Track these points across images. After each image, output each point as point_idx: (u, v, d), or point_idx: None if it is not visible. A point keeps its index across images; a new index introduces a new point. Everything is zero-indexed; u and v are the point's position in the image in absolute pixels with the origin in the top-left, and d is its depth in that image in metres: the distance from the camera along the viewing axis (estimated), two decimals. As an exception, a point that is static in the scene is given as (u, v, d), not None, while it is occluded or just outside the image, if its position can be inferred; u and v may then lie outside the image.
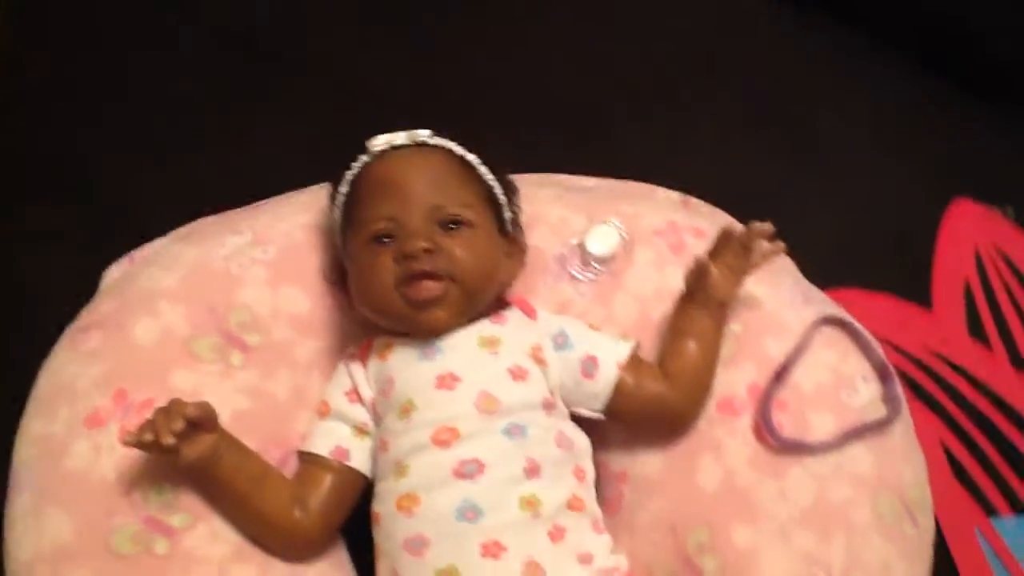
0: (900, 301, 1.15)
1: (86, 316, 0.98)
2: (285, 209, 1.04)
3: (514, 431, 0.84)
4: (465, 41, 1.42)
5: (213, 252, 0.99)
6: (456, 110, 1.31)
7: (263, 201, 1.09)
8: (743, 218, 1.10)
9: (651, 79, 1.40)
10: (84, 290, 1.03)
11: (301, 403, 0.95)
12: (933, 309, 1.15)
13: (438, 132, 0.91)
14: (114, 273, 1.05)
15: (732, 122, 1.34)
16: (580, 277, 0.99)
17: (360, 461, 0.89)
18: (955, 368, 1.10)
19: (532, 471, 0.83)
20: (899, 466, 0.90)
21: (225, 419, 0.90)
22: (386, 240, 0.87)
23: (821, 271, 1.10)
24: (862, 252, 1.19)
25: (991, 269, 1.18)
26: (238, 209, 1.08)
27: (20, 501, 0.87)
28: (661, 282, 0.97)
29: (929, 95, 1.37)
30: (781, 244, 0.92)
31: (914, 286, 1.17)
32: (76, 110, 1.34)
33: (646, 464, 0.93)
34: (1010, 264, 1.18)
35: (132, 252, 1.06)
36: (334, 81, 1.37)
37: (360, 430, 0.89)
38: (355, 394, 0.90)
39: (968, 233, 1.21)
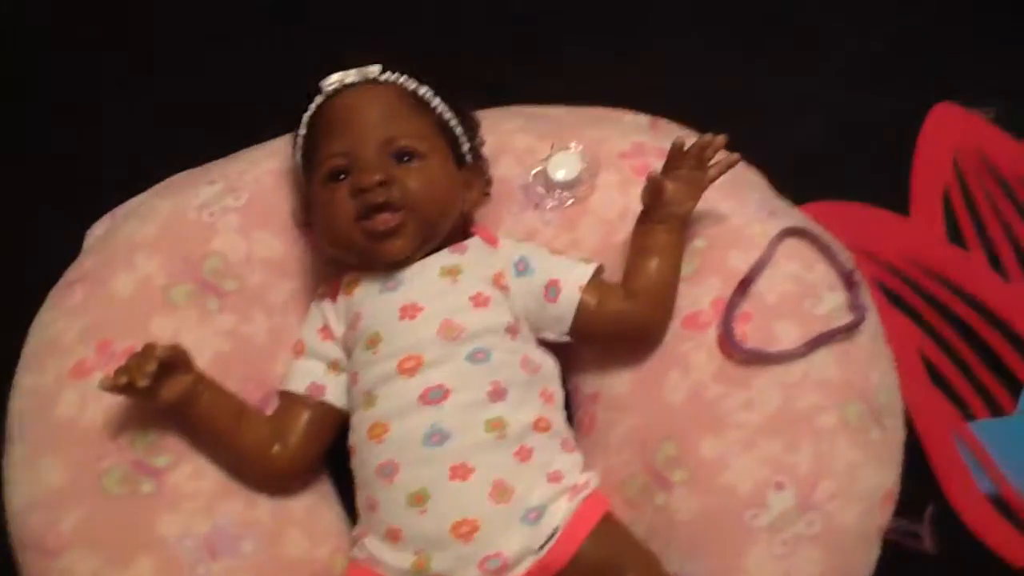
0: (876, 210, 1.14)
1: (70, 273, 1.01)
2: (256, 155, 1.06)
3: (478, 356, 0.86)
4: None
5: (188, 202, 1.02)
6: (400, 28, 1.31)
7: (235, 153, 1.11)
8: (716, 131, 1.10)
9: None
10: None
11: (279, 344, 0.98)
12: (911, 216, 1.14)
13: (391, 65, 0.92)
14: (97, 231, 1.08)
15: (701, 22, 1.32)
16: (545, 205, 0.99)
17: (335, 396, 0.91)
18: (933, 275, 1.09)
19: (497, 394, 0.85)
20: (865, 371, 0.90)
21: (205, 362, 0.93)
22: (342, 177, 0.88)
23: (795, 183, 1.09)
24: (839, 161, 1.18)
25: (971, 173, 1.16)
26: (213, 162, 1.10)
27: (15, 451, 0.92)
28: (625, 204, 0.98)
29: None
30: (736, 156, 0.92)
31: (892, 194, 1.15)
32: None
33: (616, 384, 0.94)
34: (990, 167, 1.17)
35: (115, 209, 1.09)
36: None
37: (334, 366, 0.92)
38: (327, 331, 0.92)
39: (949, 138, 1.19)
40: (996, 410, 1.01)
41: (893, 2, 1.33)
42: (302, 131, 0.93)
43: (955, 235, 1.12)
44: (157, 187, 1.10)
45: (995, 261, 1.10)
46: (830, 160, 1.19)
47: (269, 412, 0.94)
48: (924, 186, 1.15)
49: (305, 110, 0.92)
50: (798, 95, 1.24)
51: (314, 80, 0.92)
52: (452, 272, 0.89)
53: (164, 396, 0.85)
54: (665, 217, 0.90)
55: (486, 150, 1.01)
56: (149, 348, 0.84)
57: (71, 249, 1.06)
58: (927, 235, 1.12)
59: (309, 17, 1.37)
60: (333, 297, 0.93)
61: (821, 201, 1.12)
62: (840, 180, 1.15)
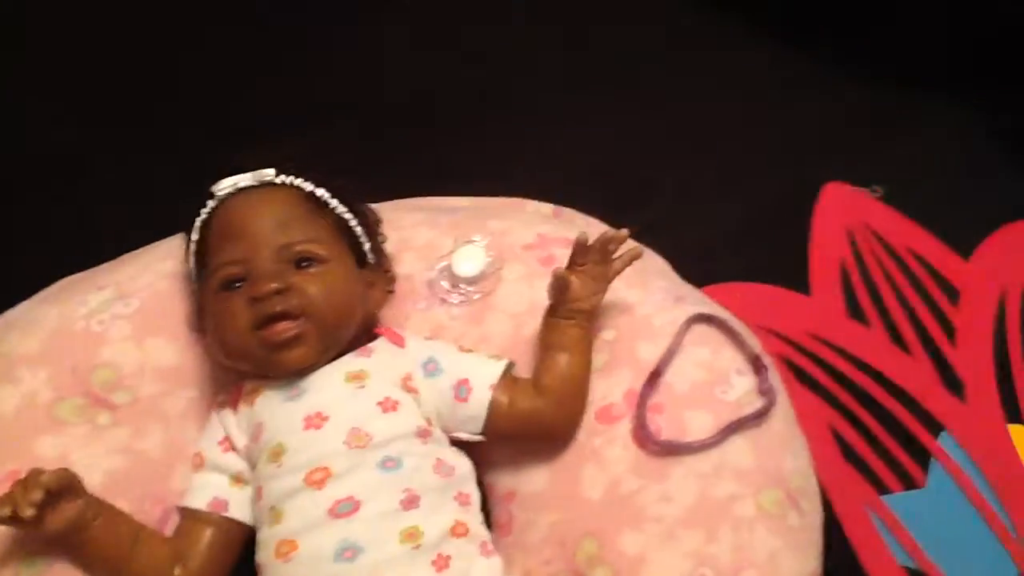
0: (778, 289, 1.16)
1: (-54, 387, 0.95)
2: (148, 258, 1.02)
3: (388, 464, 0.82)
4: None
5: (74, 311, 0.97)
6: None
7: (128, 254, 1.06)
8: (616, 219, 1.11)
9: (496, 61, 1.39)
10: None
11: (177, 457, 0.93)
12: (812, 294, 1.16)
13: (285, 168, 0.90)
14: (-24, 340, 1.02)
15: (596, 103, 1.34)
16: (451, 300, 0.98)
17: (240, 510, 0.86)
18: (836, 350, 1.11)
19: (410, 502, 0.81)
20: (779, 456, 0.90)
21: (97, 481, 0.88)
22: (238, 285, 0.85)
23: (698, 268, 1.11)
24: (739, 244, 1.20)
25: (864, 248, 1.19)
26: (103, 265, 1.06)
27: None
28: (533, 297, 0.97)
29: (798, 75, 1.39)
30: (640, 248, 0.92)
31: (792, 273, 1.17)
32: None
33: (532, 481, 0.92)
34: (881, 241, 1.20)
35: (-6, 318, 1.03)
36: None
37: (237, 479, 0.87)
38: (228, 442, 0.88)
39: (840, 215, 1.22)
40: (909, 483, 1.02)
41: (781, 85, 1.38)
42: (194, 236, 0.90)
43: (855, 311, 1.15)
44: (40, 294, 1.05)
45: (896, 336, 1.12)
46: (730, 243, 1.21)
47: (169, 531, 0.89)
48: (822, 264, 1.18)
49: (197, 215, 0.89)
50: (698, 179, 1.26)
51: (206, 184, 0.89)
52: (358, 377, 0.86)
53: (50, 526, 0.79)
54: (572, 312, 0.90)
55: (388, 246, 0.99)
56: (34, 475, 0.78)
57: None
58: (829, 312, 1.14)
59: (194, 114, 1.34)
60: (234, 406, 0.89)
61: (724, 283, 1.14)
62: (740, 265, 1.17)
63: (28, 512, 0.76)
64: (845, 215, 1.22)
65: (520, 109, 1.36)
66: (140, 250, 1.06)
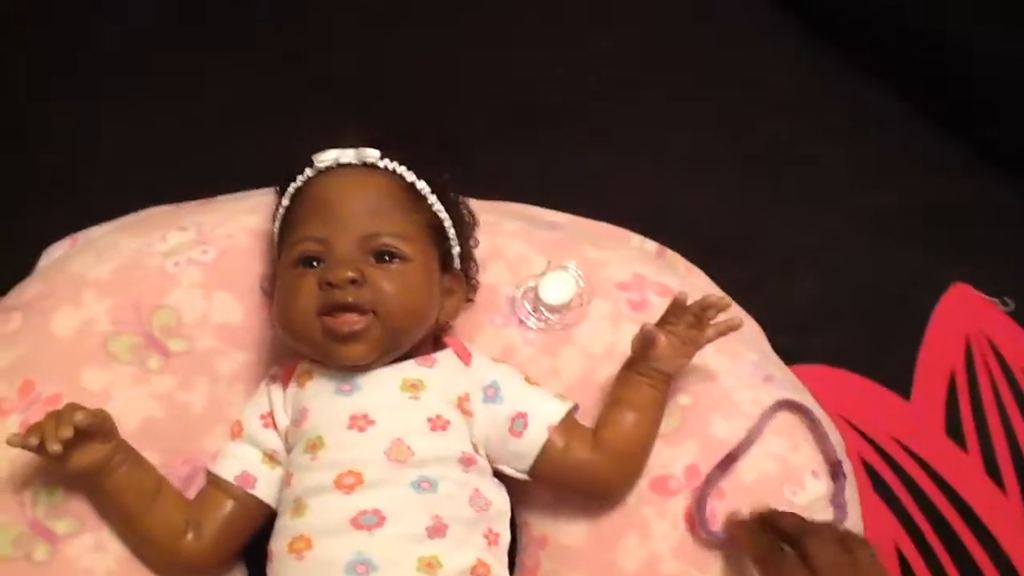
0: (876, 385, 1.07)
1: (12, 296, 0.95)
2: (235, 208, 0.99)
3: (424, 485, 0.78)
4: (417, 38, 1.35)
5: (152, 246, 0.95)
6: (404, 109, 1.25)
7: (220, 197, 1.04)
8: (719, 271, 1.04)
9: (633, 86, 1.32)
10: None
11: (217, 418, 0.90)
12: (912, 399, 1.07)
13: (390, 151, 0.85)
14: (54, 253, 1.01)
15: (723, 157, 1.26)
16: (529, 323, 0.93)
17: (265, 491, 0.83)
18: (924, 466, 1.02)
19: (436, 530, 0.77)
20: None
21: (133, 426, 0.86)
22: (314, 264, 0.81)
23: (795, 343, 1.04)
24: (845, 327, 1.12)
25: (979, 361, 1.10)
26: (192, 202, 1.04)
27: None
28: (614, 340, 0.91)
29: (945, 158, 1.29)
30: (739, 320, 0.85)
31: (896, 371, 1.09)
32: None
33: (568, 533, 0.87)
34: (1000, 358, 1.10)
35: (75, 234, 1.03)
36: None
37: (271, 457, 0.84)
38: (270, 418, 0.85)
39: (962, 320, 1.13)
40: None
41: (923, 163, 1.28)
42: (284, 202, 0.86)
43: (954, 429, 1.05)
44: (126, 219, 1.03)
45: (992, 466, 1.03)
46: (834, 321, 1.12)
47: (193, 491, 0.86)
48: (930, 368, 1.09)
49: (292, 180, 0.86)
50: (810, 244, 1.18)
51: (307, 151, 0.86)
52: (415, 386, 0.82)
53: (75, 463, 0.78)
54: (652, 371, 0.84)
55: (478, 251, 0.94)
56: (69, 410, 0.77)
57: (23, 262, 1.00)
58: (925, 423, 1.05)
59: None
60: (284, 384, 0.86)
61: (818, 364, 1.06)
62: (842, 349, 1.08)
63: (55, 447, 0.75)
64: (967, 321, 1.12)
65: (630, 135, 1.28)
66: (229, 196, 1.04)
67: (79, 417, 0.76)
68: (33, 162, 1.22)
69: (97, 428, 0.78)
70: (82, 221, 1.04)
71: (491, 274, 0.95)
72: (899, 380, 1.09)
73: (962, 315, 1.13)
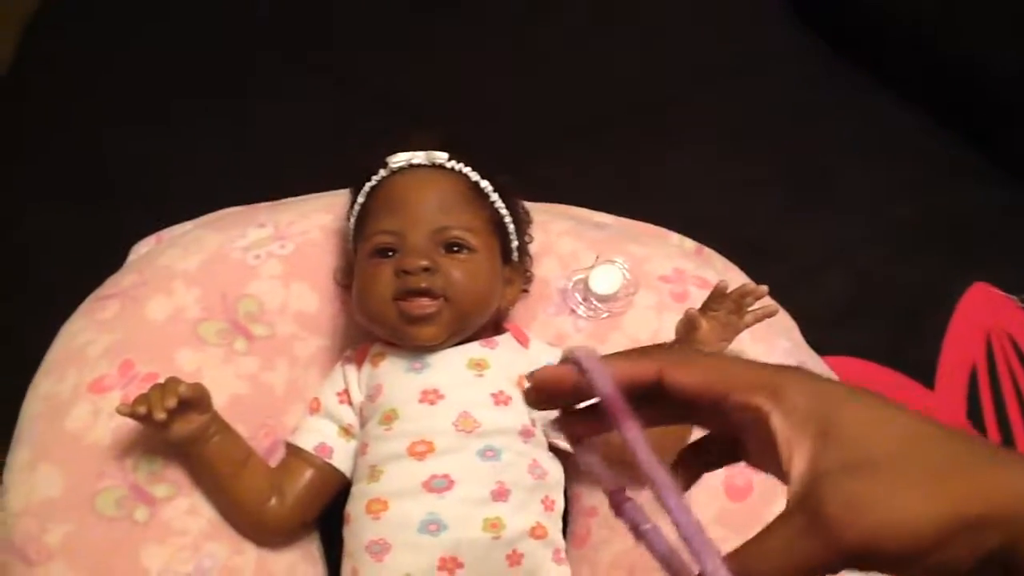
0: (902, 376, 1.14)
1: (108, 286, 1.03)
2: (308, 207, 1.08)
3: (488, 453, 0.86)
4: (468, 45, 1.45)
5: (234, 241, 1.04)
6: (458, 112, 1.34)
7: (290, 199, 1.13)
8: (753, 270, 1.12)
9: (667, 100, 1.40)
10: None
11: (296, 396, 0.99)
12: (936, 389, 1.14)
13: (458, 154, 0.94)
14: (141, 249, 1.10)
15: (757, 165, 1.34)
16: (580, 312, 1.01)
17: (341, 461, 0.92)
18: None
19: (500, 494, 0.85)
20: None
21: (222, 402, 0.94)
22: (390, 254, 0.90)
23: (825, 337, 1.11)
24: (871, 324, 1.19)
25: (999, 356, 1.17)
26: (264, 203, 1.13)
27: (19, 454, 0.92)
28: (658, 327, 0.99)
29: (966, 160, 1.36)
30: (775, 307, 0.93)
31: (920, 364, 1.16)
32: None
33: (617, 503, 0.94)
34: (1019, 352, 1.17)
35: (160, 231, 1.12)
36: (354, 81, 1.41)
37: (346, 431, 0.92)
38: (345, 395, 0.93)
39: (983, 316, 1.20)
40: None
41: (949, 170, 1.35)
42: (360, 199, 0.95)
43: (976, 418, 1.12)
44: (206, 218, 1.12)
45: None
46: (862, 319, 1.19)
47: (274, 462, 0.95)
48: (952, 361, 1.16)
49: (368, 179, 0.94)
50: (834, 253, 1.25)
51: (380, 152, 0.95)
52: (479, 365, 0.90)
53: (176, 431, 0.86)
54: (694, 353, 0.91)
55: (532, 247, 1.02)
56: (173, 383, 0.85)
57: (109, 258, 1.09)
58: (948, 411, 1.12)
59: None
60: (359, 363, 0.94)
61: (847, 356, 1.13)
62: (869, 342, 1.15)
63: (160, 415, 0.83)
64: (987, 317, 1.19)
65: (669, 146, 1.36)
66: (302, 197, 1.12)
67: (182, 388, 0.84)
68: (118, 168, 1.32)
69: (196, 400, 0.86)
70: (160, 223, 1.13)
71: (544, 268, 1.04)
72: (923, 372, 1.16)
73: (983, 312, 1.20)
